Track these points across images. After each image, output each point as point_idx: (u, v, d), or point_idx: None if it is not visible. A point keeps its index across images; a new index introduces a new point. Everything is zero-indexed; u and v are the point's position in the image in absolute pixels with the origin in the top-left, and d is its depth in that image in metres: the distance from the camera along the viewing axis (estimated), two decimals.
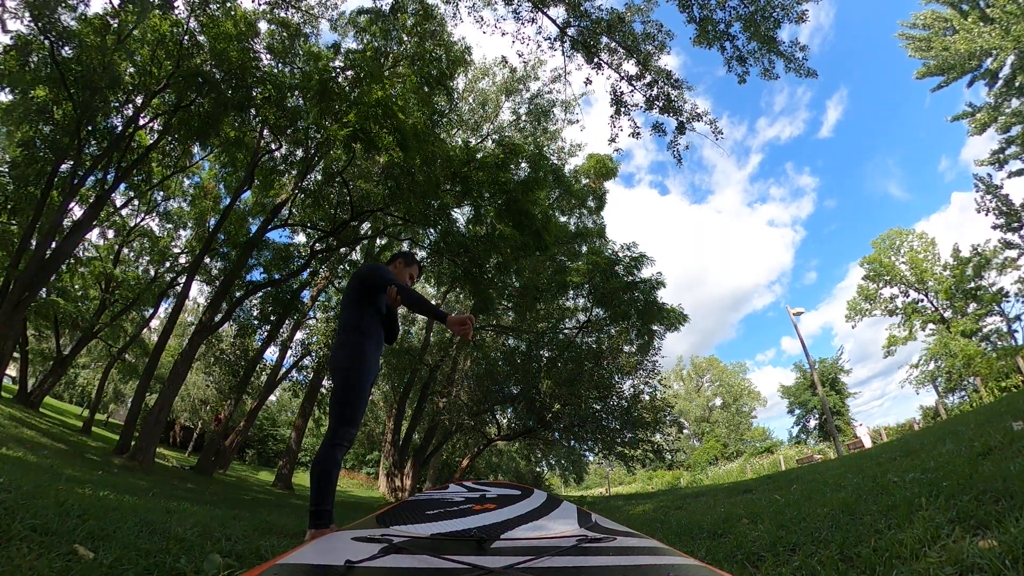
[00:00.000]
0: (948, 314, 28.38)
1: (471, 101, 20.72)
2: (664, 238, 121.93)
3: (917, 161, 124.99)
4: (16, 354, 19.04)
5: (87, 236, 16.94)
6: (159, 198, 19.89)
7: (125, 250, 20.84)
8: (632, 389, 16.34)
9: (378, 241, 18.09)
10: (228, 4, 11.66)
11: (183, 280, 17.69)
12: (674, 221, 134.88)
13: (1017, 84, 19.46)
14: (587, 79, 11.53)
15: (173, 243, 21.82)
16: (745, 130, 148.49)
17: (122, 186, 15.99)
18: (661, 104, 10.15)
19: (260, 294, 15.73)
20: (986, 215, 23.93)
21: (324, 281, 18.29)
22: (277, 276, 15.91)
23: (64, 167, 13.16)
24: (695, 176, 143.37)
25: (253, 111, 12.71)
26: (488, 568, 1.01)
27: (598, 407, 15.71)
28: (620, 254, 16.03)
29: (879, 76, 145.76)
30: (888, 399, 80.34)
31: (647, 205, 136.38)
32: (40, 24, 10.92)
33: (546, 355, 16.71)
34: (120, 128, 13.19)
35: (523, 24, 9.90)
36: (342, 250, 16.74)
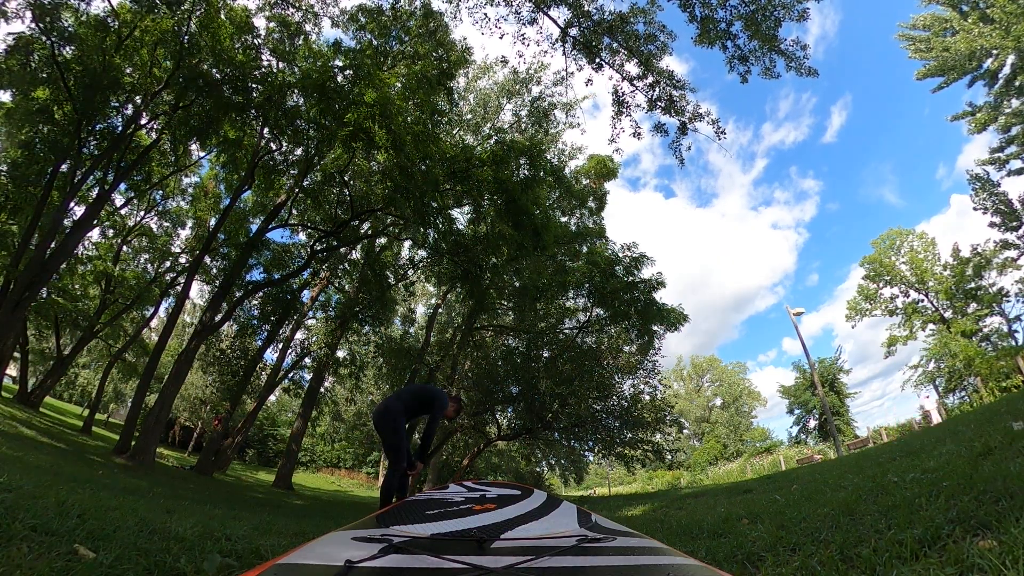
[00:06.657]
0: (948, 314, 28.34)
1: (471, 101, 20.70)
2: (669, 241, 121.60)
3: (915, 167, 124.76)
4: (16, 354, 19.05)
5: (87, 235, 16.95)
6: (158, 197, 19.90)
7: (124, 247, 20.86)
8: (632, 389, 16.36)
9: (378, 241, 18.08)
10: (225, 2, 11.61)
11: (183, 280, 17.69)
12: (679, 224, 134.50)
13: (1017, 84, 19.47)
14: (588, 79, 11.51)
15: (172, 242, 21.84)
16: (751, 135, 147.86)
17: (122, 186, 15.99)
18: (663, 105, 10.15)
19: (260, 294, 15.71)
20: (984, 213, 23.96)
21: (324, 281, 18.28)
22: (277, 276, 15.89)
23: (64, 167, 13.16)
24: (700, 180, 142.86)
25: (253, 110, 12.69)
26: (488, 568, 1.00)
27: (598, 407, 15.72)
28: (620, 254, 16.03)
29: (882, 82, 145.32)
30: (888, 399, 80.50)
31: (652, 208, 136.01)
32: (42, 25, 10.91)
33: (546, 355, 16.72)
34: (120, 128, 13.19)
35: (524, 25, 9.89)
36: (342, 250, 16.71)
